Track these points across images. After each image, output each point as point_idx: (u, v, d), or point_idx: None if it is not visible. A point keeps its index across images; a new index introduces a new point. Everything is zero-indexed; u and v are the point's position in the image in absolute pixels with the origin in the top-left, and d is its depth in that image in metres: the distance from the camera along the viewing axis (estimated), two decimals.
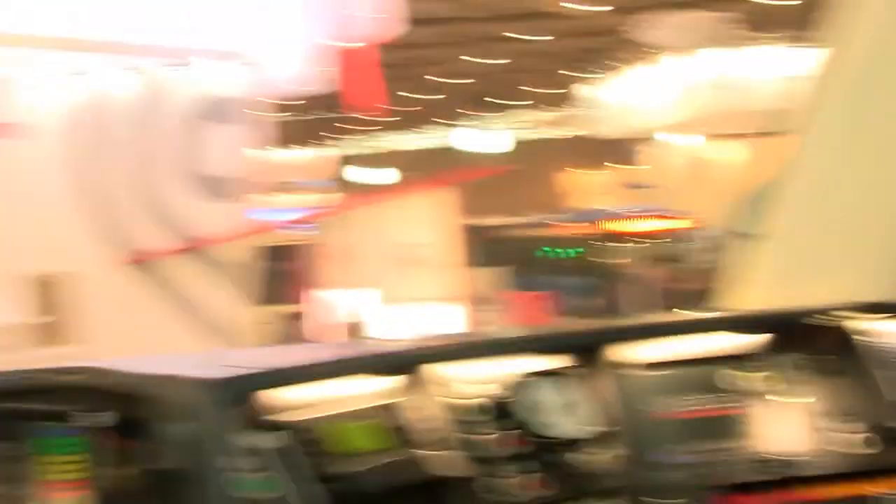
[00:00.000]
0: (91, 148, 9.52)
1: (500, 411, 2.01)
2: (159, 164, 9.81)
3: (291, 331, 12.54)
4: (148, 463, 1.70)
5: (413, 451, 1.87)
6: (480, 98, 26.60)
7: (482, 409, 2.00)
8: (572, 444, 2.03)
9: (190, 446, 1.65)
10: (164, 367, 1.84)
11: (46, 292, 9.18)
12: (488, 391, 2.03)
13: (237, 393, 1.66)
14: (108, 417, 1.80)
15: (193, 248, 10.03)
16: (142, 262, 9.82)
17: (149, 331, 8.89)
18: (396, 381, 1.95)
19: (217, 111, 9.94)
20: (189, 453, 1.64)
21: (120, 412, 1.83)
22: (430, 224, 10.90)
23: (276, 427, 1.73)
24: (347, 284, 10.99)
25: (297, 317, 13.22)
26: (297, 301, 13.44)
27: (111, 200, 9.60)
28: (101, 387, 1.88)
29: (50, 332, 8.98)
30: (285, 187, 20.12)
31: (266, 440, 1.70)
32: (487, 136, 25.59)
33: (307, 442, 1.74)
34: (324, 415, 1.81)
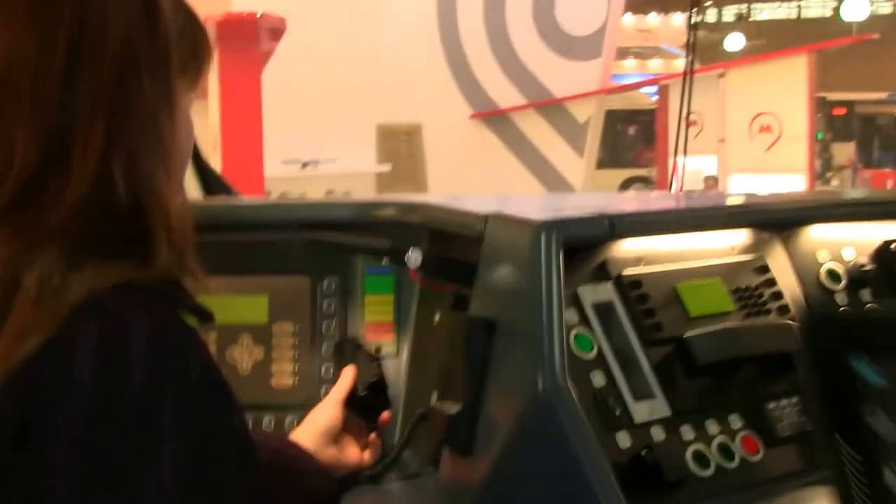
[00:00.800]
0: (451, 1, 9.50)
1: (866, 280, 1.68)
2: (517, 20, 9.69)
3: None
4: (465, 308, 1.50)
5: (761, 317, 1.58)
6: None
7: (846, 275, 1.67)
8: None
9: (510, 292, 1.44)
10: (491, 205, 1.61)
11: (398, 142, 9.32)
12: (853, 257, 1.71)
13: (567, 237, 1.41)
14: (428, 257, 1.61)
15: (545, 105, 9.91)
16: (493, 116, 9.80)
17: (494, 185, 8.89)
18: (750, 238, 1.66)
19: None
20: (509, 300, 1.43)
21: (441, 251, 1.65)
22: (783, 94, 10.32)
23: (607, 279, 1.49)
24: (696, 151, 10.60)
25: (643, 181, 12.96)
26: (643, 165, 13.19)
27: (467, 54, 9.58)
28: (422, 223, 1.70)
29: (399, 181, 9.13)
30: (639, 51, 19.64)
31: (595, 293, 1.46)
32: (851, 4, 23.95)
33: (641, 299, 1.49)
34: (664, 270, 1.54)
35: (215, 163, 7.37)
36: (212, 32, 6.34)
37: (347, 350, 1.73)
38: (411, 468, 1.66)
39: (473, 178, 8.86)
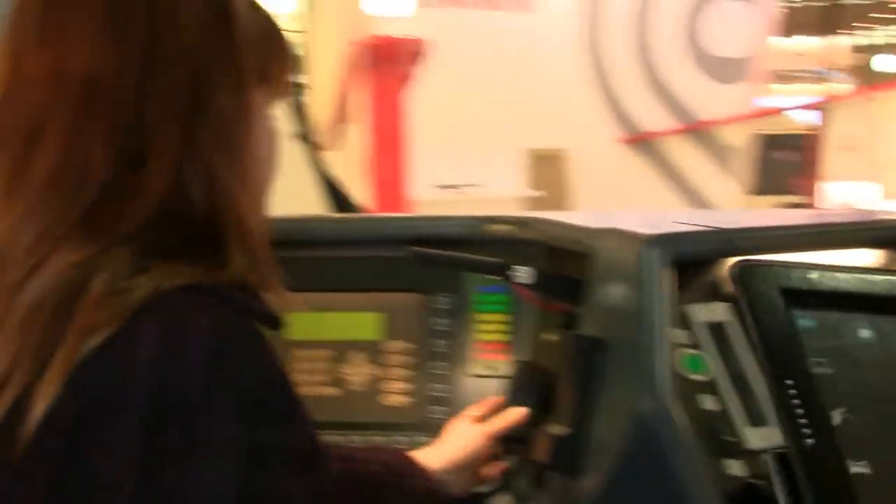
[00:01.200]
0: (596, 24, 9.42)
1: None
2: (663, 42, 9.56)
3: None
4: (575, 327, 1.44)
5: None
6: None
7: None
8: None
9: (617, 310, 1.36)
10: (607, 221, 1.54)
11: (545, 167, 9.26)
12: None
13: (676, 252, 1.34)
14: (540, 274, 1.55)
15: (694, 130, 9.73)
16: (641, 140, 9.66)
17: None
18: (881, 257, 1.55)
19: None
20: (616, 318, 1.36)
21: (555, 268, 1.58)
22: None
23: (721, 298, 1.40)
24: (853, 177, 10.28)
25: (797, 208, 12.61)
26: (798, 192, 12.84)
27: (613, 78, 9.48)
28: (535, 239, 1.65)
29: (545, 207, 9.06)
30: (792, 75, 19.22)
31: (708, 312, 1.38)
32: None
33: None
34: None
35: (363, 187, 7.43)
36: (357, 57, 6.39)
37: (525, 380, 1.64)
38: (521, 490, 1.60)
39: (622, 204, 8.74)
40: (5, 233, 0.92)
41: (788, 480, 1.13)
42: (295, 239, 1.80)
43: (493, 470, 1.59)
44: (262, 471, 0.87)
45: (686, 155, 9.68)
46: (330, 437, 1.70)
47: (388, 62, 7.17)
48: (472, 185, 8.94)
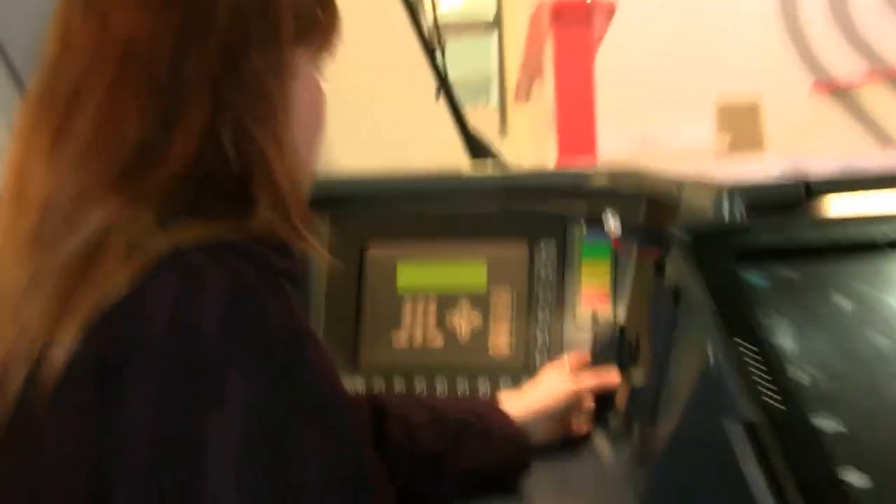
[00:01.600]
0: None
1: None
2: None
3: None
4: (661, 278, 1.38)
5: None
6: None
7: None
8: None
9: (698, 262, 1.29)
10: (713, 169, 1.46)
11: (737, 117, 8.99)
12: None
13: (751, 201, 1.26)
14: (630, 225, 1.49)
15: (888, 78, 9.27)
16: (835, 90, 9.26)
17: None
18: None
19: None
20: (696, 269, 1.29)
21: (652, 220, 1.53)
22: None
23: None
24: None
25: None
26: None
27: (808, 26, 9.10)
28: (634, 191, 1.59)
29: (736, 157, 8.80)
30: None
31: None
32: None
33: None
34: None
35: (550, 142, 7.37)
36: (545, 17, 6.29)
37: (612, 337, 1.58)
38: (615, 431, 1.55)
39: (815, 154, 8.39)
40: (48, 190, 0.93)
41: (758, 447, 1.04)
42: (407, 192, 1.79)
43: (582, 427, 1.55)
44: (275, 425, 0.84)
45: (881, 104, 9.21)
46: (438, 382, 1.70)
47: (578, 21, 7.08)
48: (662, 138, 8.76)
